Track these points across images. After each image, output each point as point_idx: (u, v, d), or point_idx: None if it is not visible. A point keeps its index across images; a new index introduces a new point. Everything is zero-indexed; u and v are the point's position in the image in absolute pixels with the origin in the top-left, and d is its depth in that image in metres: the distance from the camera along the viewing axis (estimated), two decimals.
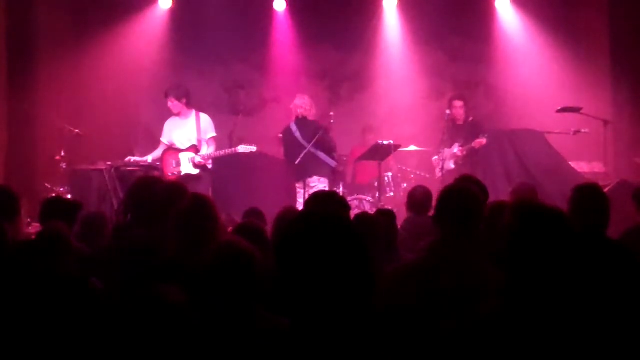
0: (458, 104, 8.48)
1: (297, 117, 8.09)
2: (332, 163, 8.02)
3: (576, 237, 2.11)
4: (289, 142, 8.16)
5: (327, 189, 7.66)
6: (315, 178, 7.88)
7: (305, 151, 7.78)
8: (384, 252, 3.81)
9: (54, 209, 4.56)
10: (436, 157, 8.69)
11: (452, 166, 8.32)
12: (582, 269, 2.08)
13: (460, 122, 8.46)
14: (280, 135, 8.38)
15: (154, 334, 2.70)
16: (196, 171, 7.76)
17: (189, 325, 2.54)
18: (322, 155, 7.95)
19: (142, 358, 2.70)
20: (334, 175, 8.09)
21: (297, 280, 1.79)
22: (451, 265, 2.91)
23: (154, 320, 2.71)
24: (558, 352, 1.98)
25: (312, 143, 7.77)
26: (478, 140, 8.11)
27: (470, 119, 8.57)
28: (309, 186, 7.79)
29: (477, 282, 2.81)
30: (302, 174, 7.92)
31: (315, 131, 7.88)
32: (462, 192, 3.14)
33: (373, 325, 1.84)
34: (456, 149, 8.33)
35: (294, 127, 8.10)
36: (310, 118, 8.09)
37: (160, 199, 4.22)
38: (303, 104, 8.11)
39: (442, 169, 8.44)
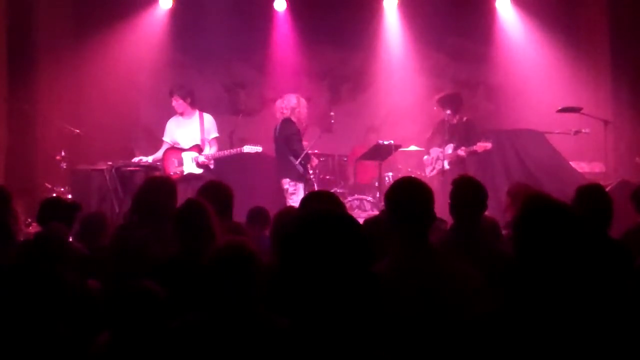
0: (444, 112, 8.39)
1: (283, 118, 8.06)
2: (300, 169, 7.90)
3: (586, 235, 2.10)
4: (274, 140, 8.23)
5: (297, 192, 7.69)
6: (286, 180, 7.85)
7: (304, 154, 7.78)
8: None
9: (52, 210, 4.55)
10: (427, 157, 8.69)
11: (447, 166, 8.30)
12: (584, 268, 2.08)
13: (454, 122, 8.42)
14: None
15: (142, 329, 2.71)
16: (199, 170, 7.77)
17: (186, 322, 2.54)
18: (293, 160, 7.89)
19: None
20: (306, 182, 7.98)
21: (301, 279, 1.78)
22: (418, 270, 2.81)
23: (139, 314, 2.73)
24: (560, 351, 1.97)
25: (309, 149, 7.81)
26: (481, 144, 7.99)
27: (465, 118, 8.50)
28: (282, 187, 7.84)
29: (453, 283, 2.77)
30: (278, 175, 7.98)
31: (289, 135, 7.86)
32: (408, 189, 2.95)
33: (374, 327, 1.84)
34: (450, 149, 8.30)
35: (278, 127, 8.07)
36: (294, 118, 7.99)
37: (167, 199, 4.24)
38: (283, 106, 8.05)
39: (434, 168, 8.45)
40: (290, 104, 8.02)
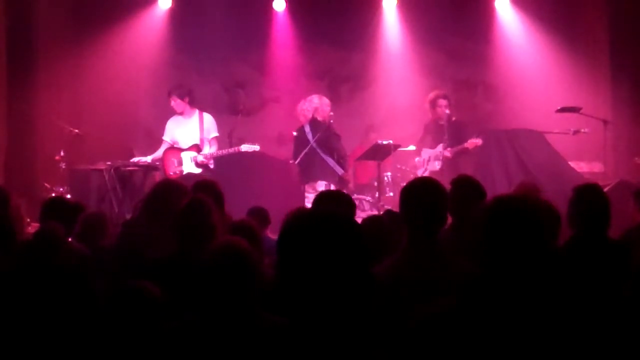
0: (442, 102, 8.35)
1: (309, 120, 8.08)
2: (339, 170, 7.97)
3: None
4: (299, 142, 8.16)
5: None
6: (321, 183, 7.86)
7: (306, 150, 7.78)
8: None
9: (54, 210, 4.55)
10: (418, 159, 8.68)
11: (437, 167, 8.28)
12: (583, 268, 2.08)
13: (443, 122, 8.35)
14: (295, 134, 8.34)
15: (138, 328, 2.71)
16: (198, 170, 7.78)
17: (187, 323, 2.54)
18: (330, 161, 7.93)
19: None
20: (340, 182, 8.03)
21: (297, 279, 1.79)
22: (423, 270, 2.82)
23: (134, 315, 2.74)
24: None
25: (312, 143, 7.78)
26: (472, 141, 8.03)
27: (454, 118, 8.46)
28: (316, 190, 7.77)
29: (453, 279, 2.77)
30: (309, 177, 7.96)
31: (326, 135, 7.89)
32: (426, 188, 2.96)
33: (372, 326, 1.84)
34: (440, 148, 8.29)
35: (307, 128, 8.09)
36: (319, 118, 8.05)
37: (178, 204, 4.23)
38: (305, 107, 8.09)
39: (426, 169, 8.43)
40: (313, 104, 8.09)
